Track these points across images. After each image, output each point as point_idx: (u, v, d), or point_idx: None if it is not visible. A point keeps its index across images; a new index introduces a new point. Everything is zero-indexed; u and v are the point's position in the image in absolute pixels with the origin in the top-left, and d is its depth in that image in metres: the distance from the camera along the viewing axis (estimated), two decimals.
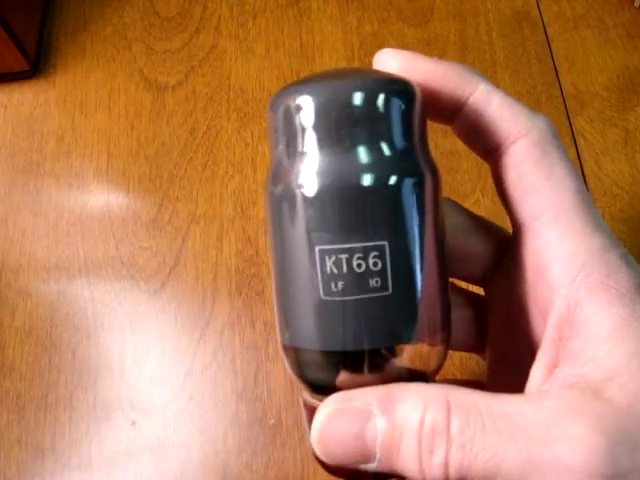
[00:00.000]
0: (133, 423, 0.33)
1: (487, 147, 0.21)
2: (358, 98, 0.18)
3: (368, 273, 0.18)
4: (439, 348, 0.21)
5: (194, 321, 0.35)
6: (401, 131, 0.19)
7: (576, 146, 0.38)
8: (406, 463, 0.17)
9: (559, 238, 0.19)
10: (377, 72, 0.21)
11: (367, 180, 0.18)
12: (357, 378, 0.19)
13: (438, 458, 0.17)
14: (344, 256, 0.18)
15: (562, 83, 0.40)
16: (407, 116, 0.19)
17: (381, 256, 0.18)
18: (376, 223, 0.18)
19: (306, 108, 0.18)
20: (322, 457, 0.19)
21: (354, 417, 0.18)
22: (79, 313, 0.36)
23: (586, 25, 0.42)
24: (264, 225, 0.37)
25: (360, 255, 0.18)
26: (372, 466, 0.18)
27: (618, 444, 0.16)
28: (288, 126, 0.19)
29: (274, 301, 0.21)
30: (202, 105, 0.41)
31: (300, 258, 0.19)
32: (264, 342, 0.34)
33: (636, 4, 0.41)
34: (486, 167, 0.22)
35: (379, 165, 0.18)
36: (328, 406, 0.18)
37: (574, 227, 0.19)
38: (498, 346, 0.25)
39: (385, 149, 0.19)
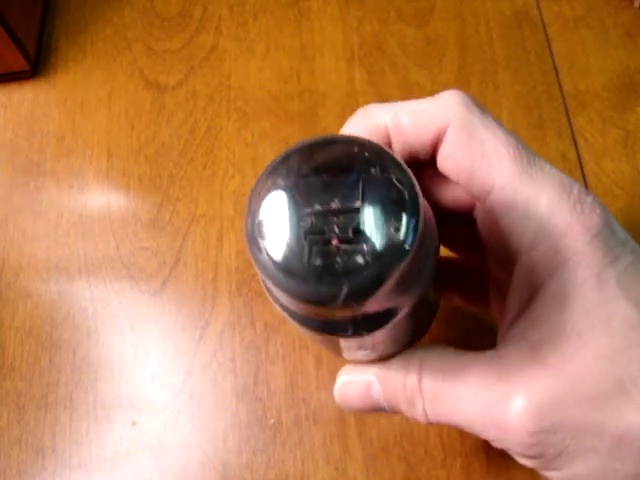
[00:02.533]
0: (133, 423, 0.33)
1: (424, 158, 0.21)
2: (346, 298, 0.15)
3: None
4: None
5: (194, 321, 0.35)
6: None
7: (576, 146, 0.38)
8: (405, 411, 0.22)
9: (509, 209, 0.20)
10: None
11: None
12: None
13: (419, 410, 0.21)
14: None
15: (562, 83, 0.40)
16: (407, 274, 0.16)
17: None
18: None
19: (276, 276, 0.15)
20: (346, 410, 0.25)
21: (360, 386, 0.23)
22: (79, 313, 0.36)
23: (586, 25, 0.42)
24: None
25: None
26: (387, 411, 0.23)
27: (543, 402, 0.18)
28: (259, 261, 0.16)
29: None
30: (202, 105, 0.41)
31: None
32: (264, 342, 0.34)
33: (636, 4, 0.41)
34: None
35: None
36: (342, 376, 0.23)
37: (521, 193, 0.19)
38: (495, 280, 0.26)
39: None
